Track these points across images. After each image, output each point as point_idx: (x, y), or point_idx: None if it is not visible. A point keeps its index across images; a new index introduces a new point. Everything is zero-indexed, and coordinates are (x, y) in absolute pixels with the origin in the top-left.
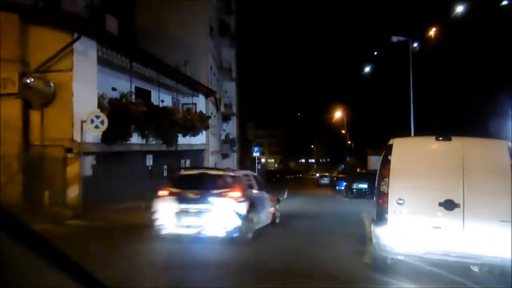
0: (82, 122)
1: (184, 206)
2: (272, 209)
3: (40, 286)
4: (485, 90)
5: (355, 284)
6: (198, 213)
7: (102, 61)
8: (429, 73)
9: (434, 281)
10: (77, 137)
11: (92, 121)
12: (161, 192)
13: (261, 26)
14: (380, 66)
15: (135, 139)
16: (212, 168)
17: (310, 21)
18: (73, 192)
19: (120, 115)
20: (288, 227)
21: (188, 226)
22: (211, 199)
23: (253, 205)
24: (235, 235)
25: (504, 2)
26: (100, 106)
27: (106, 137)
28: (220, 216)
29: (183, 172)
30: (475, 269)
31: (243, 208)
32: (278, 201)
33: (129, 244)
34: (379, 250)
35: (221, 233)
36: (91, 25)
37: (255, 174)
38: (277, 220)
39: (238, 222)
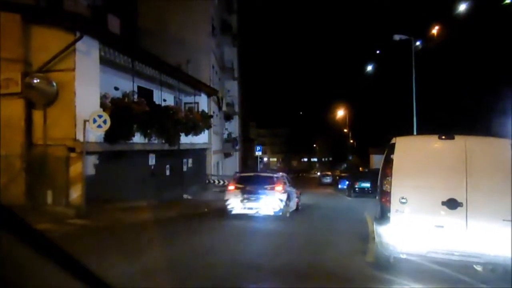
0: (85, 121)
1: (246, 195)
2: (297, 200)
3: (43, 285)
4: (488, 88)
5: (358, 283)
6: (256, 199)
7: (104, 61)
8: (432, 71)
9: (437, 279)
10: (79, 137)
11: (94, 121)
12: (229, 187)
13: (263, 25)
14: (383, 65)
15: (138, 138)
16: (262, 171)
17: (312, 20)
18: (76, 191)
19: (122, 114)
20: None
21: (249, 208)
22: (264, 191)
23: (289, 196)
24: (279, 214)
25: (507, 0)
26: (103, 105)
27: (109, 136)
28: (270, 202)
29: (242, 174)
30: (478, 268)
31: (284, 197)
32: (300, 194)
33: (134, 243)
34: (381, 249)
35: (270, 212)
36: (93, 24)
37: (286, 175)
38: (300, 207)
39: (281, 206)
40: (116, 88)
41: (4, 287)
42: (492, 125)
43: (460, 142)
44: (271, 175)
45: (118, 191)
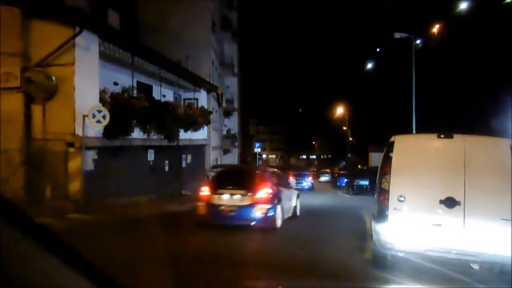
0: (84, 116)
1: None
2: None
3: (45, 279)
4: (488, 87)
5: (355, 281)
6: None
7: (103, 56)
8: (432, 70)
9: (434, 278)
10: (78, 132)
11: (93, 116)
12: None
13: (263, 21)
14: (383, 63)
15: (137, 134)
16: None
17: (312, 17)
18: (75, 186)
19: (121, 109)
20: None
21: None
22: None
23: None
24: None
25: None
26: (102, 100)
27: (108, 131)
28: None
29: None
30: (475, 266)
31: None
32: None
33: (132, 237)
34: (379, 247)
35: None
36: (93, 19)
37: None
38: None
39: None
40: (116, 83)
41: (7, 281)
42: (492, 125)
43: (459, 141)
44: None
45: (116, 186)
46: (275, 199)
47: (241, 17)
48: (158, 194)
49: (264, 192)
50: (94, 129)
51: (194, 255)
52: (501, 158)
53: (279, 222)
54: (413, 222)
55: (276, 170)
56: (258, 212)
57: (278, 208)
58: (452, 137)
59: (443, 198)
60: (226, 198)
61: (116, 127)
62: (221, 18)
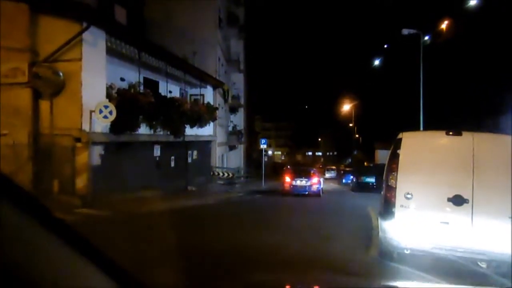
0: (91, 112)
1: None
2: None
3: (58, 272)
4: (497, 84)
5: (361, 277)
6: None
7: (111, 51)
8: (441, 66)
9: (441, 275)
10: (85, 127)
11: (100, 111)
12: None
13: (270, 18)
14: (391, 59)
15: (143, 129)
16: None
17: (320, 13)
18: (82, 181)
19: (128, 105)
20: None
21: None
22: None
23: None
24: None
25: None
26: (109, 96)
27: (115, 127)
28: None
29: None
30: (483, 265)
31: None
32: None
33: (142, 233)
34: (385, 244)
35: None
36: (100, 15)
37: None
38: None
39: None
40: (122, 79)
41: (15, 269)
42: (500, 122)
43: (468, 138)
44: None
45: (123, 182)
46: (319, 183)
47: (248, 13)
48: (164, 189)
49: (314, 179)
50: (101, 124)
51: (207, 250)
52: (510, 156)
53: (321, 193)
54: (420, 220)
55: (319, 167)
56: (313, 188)
57: (320, 187)
58: (461, 134)
59: (451, 195)
60: (299, 181)
61: (123, 123)
62: (228, 14)
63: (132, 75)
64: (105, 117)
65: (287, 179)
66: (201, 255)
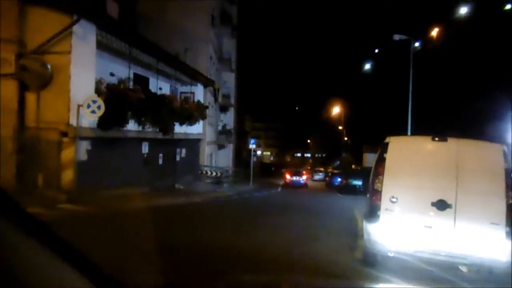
0: (79, 106)
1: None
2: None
3: (32, 271)
4: (484, 92)
5: (345, 279)
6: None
7: (101, 46)
8: (430, 72)
9: (423, 278)
10: (73, 121)
11: (88, 106)
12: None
13: (263, 18)
14: (381, 64)
15: (132, 125)
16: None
17: (311, 16)
18: (67, 176)
19: (117, 101)
20: None
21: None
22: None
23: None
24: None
25: (508, 6)
26: (98, 91)
27: (103, 122)
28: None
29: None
30: (464, 269)
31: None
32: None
33: (125, 230)
34: (370, 246)
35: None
36: (91, 8)
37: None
38: None
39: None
40: (112, 74)
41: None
42: (487, 129)
43: (453, 144)
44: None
45: (109, 178)
46: (307, 179)
47: (241, 13)
48: (151, 187)
49: (304, 177)
50: (89, 119)
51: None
52: (493, 163)
53: (307, 185)
54: (404, 223)
55: (308, 169)
56: (302, 182)
57: (307, 182)
58: (446, 140)
59: (434, 200)
60: (294, 178)
61: (111, 118)
62: (221, 12)
63: (122, 71)
64: (93, 112)
65: (287, 176)
66: (183, 255)
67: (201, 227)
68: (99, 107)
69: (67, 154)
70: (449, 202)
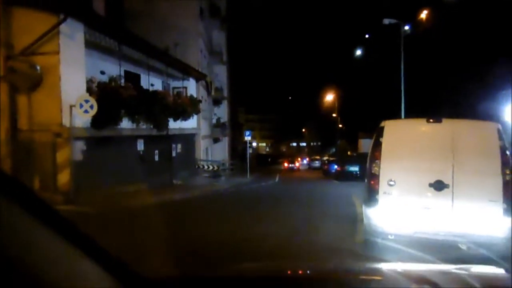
0: (71, 106)
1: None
2: None
3: (54, 264)
4: (477, 73)
5: (349, 263)
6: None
7: (89, 44)
8: (421, 55)
9: (422, 258)
10: (66, 122)
11: (81, 106)
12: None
13: (252, 8)
14: (372, 49)
15: (126, 123)
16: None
17: (301, 3)
18: (64, 177)
19: (109, 99)
20: None
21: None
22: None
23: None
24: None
25: None
26: (89, 90)
27: (96, 121)
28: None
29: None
30: (463, 247)
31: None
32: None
33: (125, 226)
34: (370, 230)
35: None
36: (77, 6)
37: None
38: None
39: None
40: (103, 72)
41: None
42: (479, 110)
43: (448, 125)
44: (296, 157)
45: (106, 177)
46: (300, 165)
47: (230, 4)
48: (149, 184)
49: (297, 163)
50: (82, 119)
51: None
52: (489, 142)
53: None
54: (403, 206)
55: (299, 157)
56: (296, 167)
57: (299, 166)
58: (441, 121)
59: (432, 181)
60: (291, 164)
61: (104, 117)
62: (210, 5)
63: (113, 68)
64: (86, 111)
65: (285, 164)
66: (190, 247)
67: (202, 220)
68: (91, 107)
69: (62, 155)
70: (446, 182)
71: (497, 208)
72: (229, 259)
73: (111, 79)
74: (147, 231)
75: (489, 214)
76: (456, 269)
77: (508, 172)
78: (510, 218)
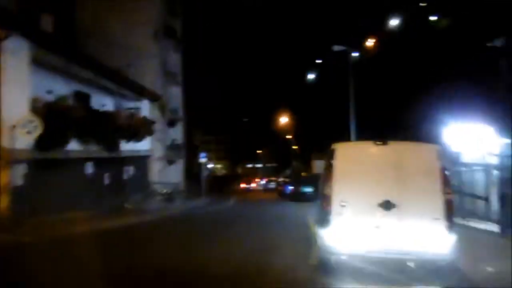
0: (13, 127)
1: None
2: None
3: None
4: (420, 97)
5: (301, 286)
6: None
7: (36, 62)
8: (369, 80)
9: (375, 280)
10: (6, 143)
11: (24, 126)
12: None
13: (207, 31)
14: (324, 74)
15: (74, 145)
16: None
17: (256, 28)
18: (2, 203)
19: (56, 119)
20: None
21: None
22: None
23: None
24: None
25: (433, 18)
26: (34, 110)
27: (41, 143)
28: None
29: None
30: (412, 264)
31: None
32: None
33: (62, 258)
34: (323, 251)
35: None
36: (23, 22)
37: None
38: None
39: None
40: (50, 92)
41: None
42: (421, 133)
43: (393, 147)
44: (251, 178)
45: (50, 203)
46: (256, 186)
47: (185, 26)
48: (98, 209)
49: (253, 184)
50: (25, 140)
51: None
52: (430, 162)
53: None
54: (354, 226)
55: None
56: (252, 188)
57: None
58: (387, 143)
59: (381, 201)
60: (248, 185)
61: (50, 139)
62: (165, 26)
63: (61, 88)
64: (29, 132)
65: (242, 184)
66: (132, 280)
67: (151, 248)
68: (36, 127)
69: (1, 179)
70: (393, 202)
71: (440, 226)
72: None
73: (59, 98)
74: (83, 264)
75: (433, 231)
76: None
77: (448, 191)
78: (452, 235)
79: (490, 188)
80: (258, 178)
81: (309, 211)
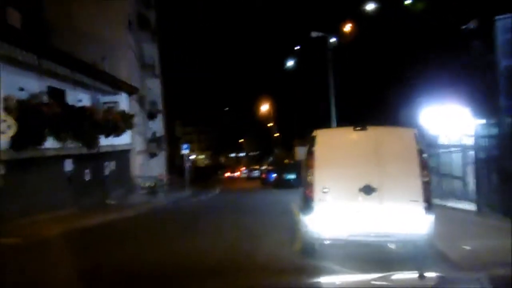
0: None
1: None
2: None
3: None
4: (398, 81)
5: (286, 272)
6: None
7: (4, 59)
8: (348, 65)
9: (358, 262)
10: None
11: None
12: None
13: (182, 20)
14: (303, 60)
15: (51, 143)
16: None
17: (234, 16)
18: None
19: (30, 118)
20: None
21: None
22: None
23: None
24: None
25: (408, 1)
26: (7, 109)
27: (16, 142)
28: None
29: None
30: (392, 246)
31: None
32: None
33: (47, 257)
34: (307, 237)
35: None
36: None
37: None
38: None
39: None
40: (21, 89)
41: None
42: (399, 116)
43: (372, 132)
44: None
45: (29, 203)
46: (240, 174)
47: (160, 16)
48: (79, 206)
49: (238, 172)
50: None
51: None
52: (408, 146)
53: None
54: (336, 211)
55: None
56: (236, 176)
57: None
58: (366, 129)
59: (361, 186)
60: (231, 174)
61: (26, 137)
62: (138, 17)
63: (33, 84)
64: (3, 132)
65: (227, 173)
66: (120, 275)
67: (135, 242)
68: (9, 127)
69: None
70: (373, 186)
71: (419, 208)
72: (166, 282)
73: (32, 96)
74: (65, 263)
75: (412, 213)
76: (378, 279)
77: (425, 173)
78: (430, 216)
79: (467, 168)
80: (242, 167)
81: (293, 198)
